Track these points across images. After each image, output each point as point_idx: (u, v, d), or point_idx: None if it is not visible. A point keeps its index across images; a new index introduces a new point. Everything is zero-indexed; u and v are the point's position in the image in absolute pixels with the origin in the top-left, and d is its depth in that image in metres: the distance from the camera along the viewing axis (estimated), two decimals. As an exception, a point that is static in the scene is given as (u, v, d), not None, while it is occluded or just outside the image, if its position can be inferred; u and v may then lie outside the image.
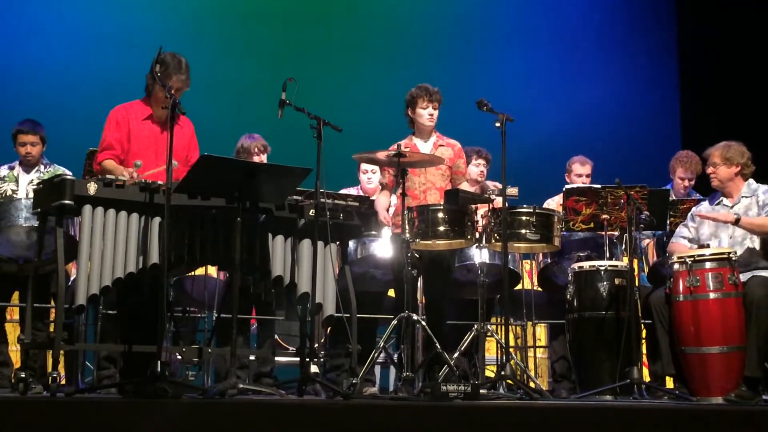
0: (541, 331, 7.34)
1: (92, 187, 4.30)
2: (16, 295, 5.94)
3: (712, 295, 5.17)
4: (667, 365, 5.42)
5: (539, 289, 6.44)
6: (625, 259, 5.72)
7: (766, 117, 8.54)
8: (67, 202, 4.26)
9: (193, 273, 5.81)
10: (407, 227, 5.10)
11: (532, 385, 5.24)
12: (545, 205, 6.24)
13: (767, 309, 5.07)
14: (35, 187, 5.71)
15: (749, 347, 5.08)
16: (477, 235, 5.30)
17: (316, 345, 5.57)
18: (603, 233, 5.91)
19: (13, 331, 6.42)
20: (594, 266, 5.60)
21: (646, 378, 5.72)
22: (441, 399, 4.30)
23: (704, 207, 5.69)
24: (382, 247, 5.80)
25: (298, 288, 4.74)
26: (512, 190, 5.28)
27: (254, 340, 6.29)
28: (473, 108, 5.33)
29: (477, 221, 5.30)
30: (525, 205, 5.39)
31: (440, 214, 5.19)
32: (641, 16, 10.26)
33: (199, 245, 4.55)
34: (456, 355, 5.23)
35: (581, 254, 6.01)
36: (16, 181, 5.88)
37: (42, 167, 5.94)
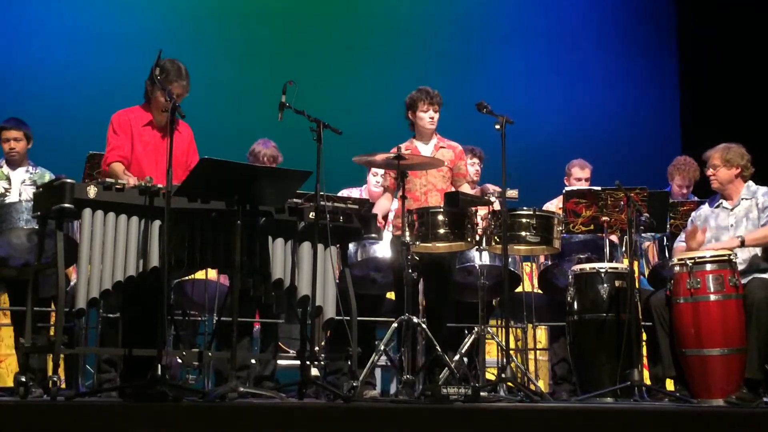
0: (542, 334, 7.33)
1: (92, 191, 4.30)
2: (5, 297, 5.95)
3: (712, 297, 5.17)
4: (668, 367, 5.41)
5: (539, 291, 6.44)
6: (626, 261, 5.71)
7: (766, 118, 8.54)
8: (67, 205, 4.26)
9: (193, 276, 5.81)
10: (407, 230, 5.10)
11: (532, 387, 5.24)
12: (545, 208, 6.24)
13: (768, 311, 5.08)
14: (31, 185, 5.73)
15: (750, 349, 5.08)
16: (477, 238, 5.30)
17: (317, 348, 5.57)
18: (603, 235, 5.91)
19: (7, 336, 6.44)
20: (594, 268, 5.59)
21: (647, 380, 5.71)
22: (441, 402, 4.30)
23: (704, 210, 5.68)
24: (383, 249, 5.79)
25: (299, 291, 4.74)
26: (512, 193, 5.28)
27: (256, 343, 6.30)
28: (473, 110, 5.33)
29: (477, 224, 5.30)
30: (525, 208, 5.39)
31: (440, 217, 5.19)
32: (641, 17, 10.26)
33: (199, 248, 4.55)
34: (456, 357, 5.22)
35: (581, 256, 6.01)
36: (8, 179, 5.86)
37: (30, 167, 5.92)
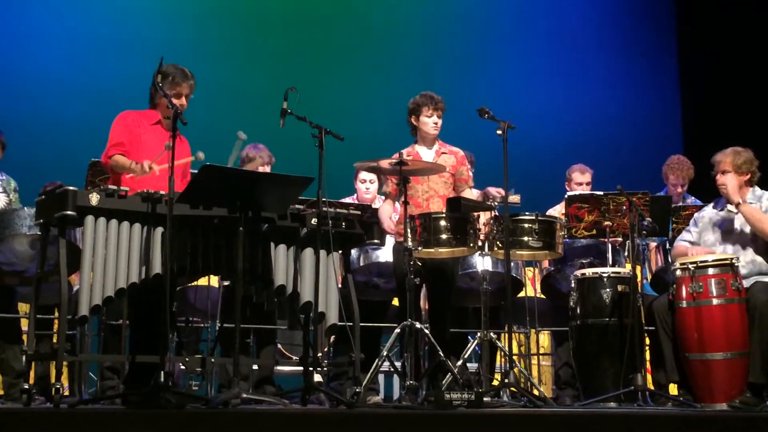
0: (545, 339, 7.32)
1: (94, 198, 4.30)
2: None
3: (715, 301, 5.17)
4: (671, 372, 5.41)
5: (542, 296, 6.43)
6: (628, 266, 5.71)
7: (766, 118, 8.54)
8: (69, 213, 4.26)
9: (196, 283, 5.80)
10: (410, 235, 5.10)
11: (535, 392, 5.23)
12: (548, 214, 6.23)
13: (770, 315, 5.07)
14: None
15: (753, 353, 5.08)
16: (479, 243, 5.30)
17: (320, 354, 5.56)
18: (605, 240, 5.91)
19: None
20: (597, 273, 5.58)
21: (651, 385, 5.71)
22: (444, 407, 4.29)
23: (708, 212, 5.68)
24: (385, 255, 5.79)
25: (301, 297, 4.73)
26: (514, 198, 5.28)
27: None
28: (474, 114, 5.33)
29: (479, 229, 5.30)
30: (527, 213, 5.39)
31: (442, 222, 5.19)
32: (641, 18, 10.27)
33: (202, 255, 4.55)
34: (459, 363, 5.22)
35: (584, 261, 6.01)
36: None
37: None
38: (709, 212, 5.67)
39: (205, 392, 5.69)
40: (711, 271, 5.21)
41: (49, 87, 8.34)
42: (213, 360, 4.77)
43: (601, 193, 5.95)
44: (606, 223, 5.88)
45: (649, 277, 6.13)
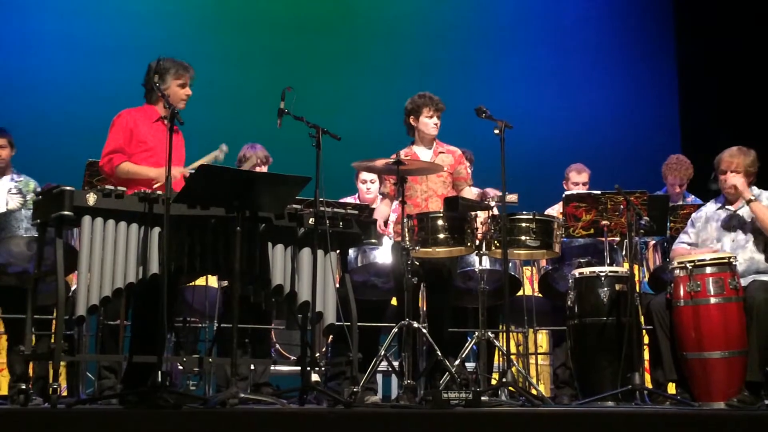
0: (543, 338, 7.33)
1: (91, 198, 4.30)
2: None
3: (713, 300, 5.17)
4: (669, 371, 5.41)
5: (540, 295, 6.43)
6: (626, 265, 5.71)
7: (764, 119, 8.55)
8: (66, 213, 4.25)
9: (194, 283, 5.80)
10: (407, 235, 5.10)
11: (533, 391, 5.23)
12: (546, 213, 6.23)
13: (768, 313, 5.07)
14: (17, 193, 5.72)
15: (751, 352, 5.08)
16: (477, 243, 5.30)
17: (318, 354, 5.56)
18: (603, 239, 5.91)
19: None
20: (594, 272, 5.58)
21: (650, 384, 5.70)
22: (442, 407, 4.29)
23: (706, 211, 5.67)
24: (383, 255, 5.79)
25: (299, 297, 4.73)
26: (512, 197, 5.28)
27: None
28: (471, 115, 5.33)
29: (477, 228, 5.30)
30: (525, 212, 5.39)
31: (440, 222, 5.19)
32: (639, 20, 10.27)
33: (199, 255, 4.54)
34: (457, 362, 5.22)
35: (582, 260, 6.01)
36: None
37: (15, 175, 5.90)
38: (707, 211, 5.67)
39: (203, 392, 5.69)
40: (709, 269, 5.21)
41: (47, 87, 8.34)
42: (210, 360, 4.76)
43: (599, 192, 5.95)
44: (604, 222, 5.88)
45: (647, 276, 6.13)
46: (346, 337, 4.84)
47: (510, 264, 5.63)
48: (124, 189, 4.43)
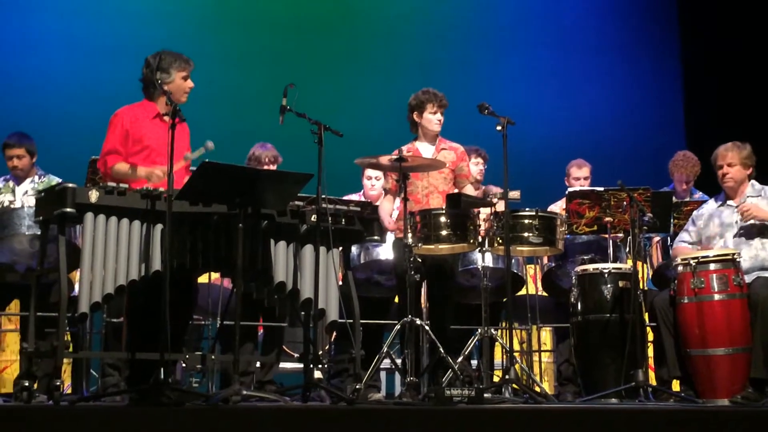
0: (546, 335, 7.32)
1: (94, 195, 4.30)
2: (14, 304, 5.93)
3: (716, 297, 5.16)
4: (673, 368, 5.40)
5: (543, 293, 6.42)
6: (629, 262, 5.70)
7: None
8: (68, 210, 4.26)
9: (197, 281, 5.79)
10: (410, 232, 5.09)
11: (537, 388, 5.22)
12: (549, 209, 6.22)
13: (772, 310, 5.06)
14: (34, 195, 5.72)
15: (755, 348, 5.07)
16: (480, 239, 5.29)
17: (320, 351, 5.55)
18: (606, 236, 5.90)
19: (12, 342, 6.43)
20: (598, 269, 5.57)
21: (654, 381, 5.70)
22: (445, 403, 4.29)
23: (707, 208, 5.67)
24: (385, 252, 5.79)
25: (301, 294, 4.73)
26: (514, 194, 5.27)
27: (259, 347, 6.28)
28: (474, 112, 5.32)
29: (479, 225, 5.29)
30: (527, 209, 5.38)
31: (442, 219, 5.18)
32: (643, 18, 10.25)
33: (201, 252, 4.54)
34: (460, 359, 5.21)
35: (585, 257, 6.00)
36: (13, 192, 5.87)
37: (36, 177, 5.92)
38: (709, 208, 5.66)
39: (206, 389, 5.69)
40: (712, 266, 5.20)
41: (47, 87, 8.34)
42: (213, 357, 4.76)
43: (602, 189, 5.93)
44: (607, 218, 5.87)
45: (651, 272, 6.12)
46: (349, 334, 4.83)
47: (513, 261, 5.62)
48: (126, 186, 4.43)
